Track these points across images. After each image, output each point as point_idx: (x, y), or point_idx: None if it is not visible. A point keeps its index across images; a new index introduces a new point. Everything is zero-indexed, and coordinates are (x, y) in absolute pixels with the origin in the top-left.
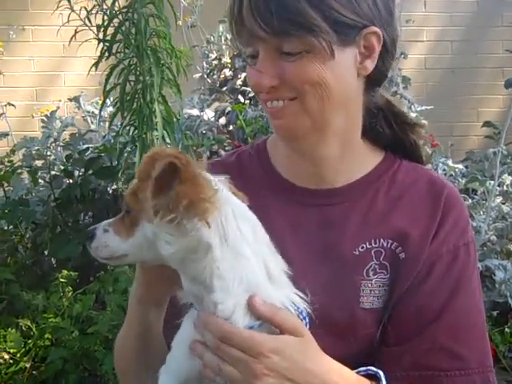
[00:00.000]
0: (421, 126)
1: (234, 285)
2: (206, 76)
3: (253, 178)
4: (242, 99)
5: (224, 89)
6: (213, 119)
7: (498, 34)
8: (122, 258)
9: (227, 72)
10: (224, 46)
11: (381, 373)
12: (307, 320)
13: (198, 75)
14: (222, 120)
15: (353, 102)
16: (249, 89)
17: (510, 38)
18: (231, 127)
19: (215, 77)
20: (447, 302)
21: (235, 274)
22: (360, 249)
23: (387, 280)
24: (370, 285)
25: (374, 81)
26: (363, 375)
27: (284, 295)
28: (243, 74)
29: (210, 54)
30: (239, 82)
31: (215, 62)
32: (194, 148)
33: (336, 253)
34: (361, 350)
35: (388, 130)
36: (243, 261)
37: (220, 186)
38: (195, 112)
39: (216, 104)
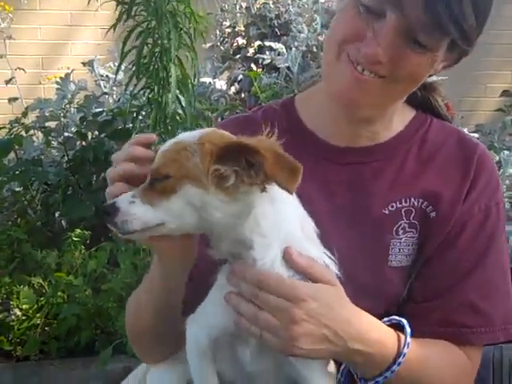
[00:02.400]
0: (439, 84)
1: (274, 241)
2: (218, 44)
3: (280, 133)
4: (254, 67)
5: (237, 57)
6: (225, 87)
7: None
8: (156, 229)
9: (240, 40)
10: (238, 14)
11: (404, 321)
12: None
13: (208, 44)
14: (234, 88)
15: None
16: (262, 56)
17: None
18: (243, 95)
19: (228, 45)
20: (478, 260)
21: (276, 231)
22: (390, 208)
23: (416, 239)
24: (399, 243)
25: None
26: (387, 325)
27: (320, 252)
28: (256, 43)
29: (224, 22)
30: (252, 50)
31: (228, 30)
32: (208, 113)
33: (365, 212)
34: (388, 310)
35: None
36: (284, 220)
37: None
38: (208, 79)
39: (227, 72)
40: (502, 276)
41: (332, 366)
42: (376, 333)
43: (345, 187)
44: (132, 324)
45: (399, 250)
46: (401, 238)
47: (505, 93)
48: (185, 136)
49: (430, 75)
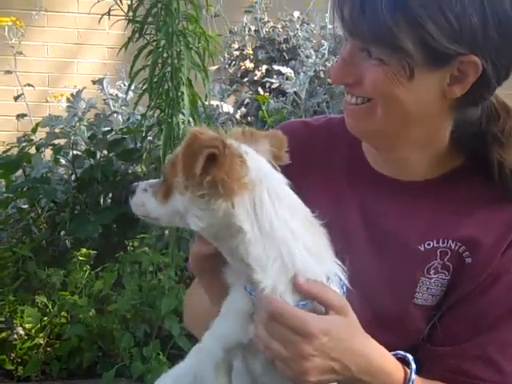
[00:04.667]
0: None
1: (269, 265)
2: (227, 66)
3: (339, 150)
4: (261, 91)
5: (244, 80)
6: (232, 110)
7: None
8: (155, 220)
9: (248, 63)
10: (247, 37)
11: (409, 356)
12: (345, 291)
13: (214, 67)
14: (240, 111)
15: (434, 119)
16: (271, 80)
17: None
18: (249, 118)
19: (235, 67)
20: (504, 317)
21: (269, 255)
22: (426, 245)
23: (446, 281)
24: (428, 282)
25: (466, 102)
26: None
27: (327, 268)
28: (264, 66)
29: (233, 45)
30: (260, 73)
31: (237, 53)
32: None
33: (401, 244)
34: (406, 345)
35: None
36: (277, 241)
37: (259, 161)
38: (215, 102)
39: (234, 96)
40: None
41: None
42: (385, 366)
43: (386, 215)
44: (189, 324)
45: (427, 288)
46: (431, 278)
47: None
48: None
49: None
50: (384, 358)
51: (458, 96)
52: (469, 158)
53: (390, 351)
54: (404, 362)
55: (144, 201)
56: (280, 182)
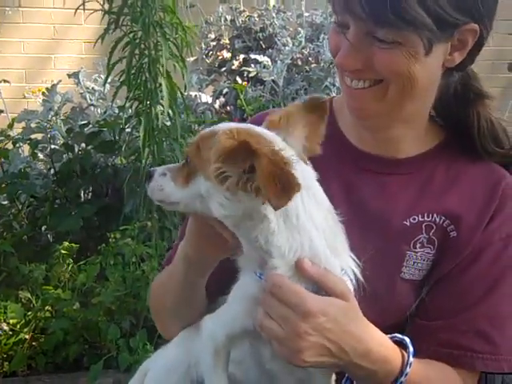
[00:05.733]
0: (488, 97)
1: (290, 254)
2: (204, 56)
3: None
4: (239, 80)
5: (222, 70)
6: (210, 100)
7: None
8: (173, 205)
9: (225, 53)
10: (223, 27)
11: (407, 339)
12: (356, 285)
13: (192, 58)
14: (219, 101)
15: (431, 89)
16: (248, 69)
17: None
18: (228, 108)
19: (213, 58)
20: (491, 289)
21: (292, 244)
22: (411, 220)
23: (432, 255)
24: (414, 256)
25: (457, 68)
26: None
27: (343, 261)
28: (242, 56)
29: (209, 35)
30: (237, 63)
31: (213, 43)
32: (195, 126)
33: (387, 220)
34: (394, 320)
35: (456, 109)
36: (301, 233)
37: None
38: (193, 92)
39: (212, 86)
40: (511, 308)
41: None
42: (383, 351)
43: (370, 193)
44: (153, 304)
45: (414, 263)
46: (417, 252)
47: None
48: (222, 125)
49: (452, 69)
50: (382, 344)
51: (456, 63)
52: (449, 133)
53: (379, 327)
54: (401, 344)
55: (163, 184)
56: (310, 175)
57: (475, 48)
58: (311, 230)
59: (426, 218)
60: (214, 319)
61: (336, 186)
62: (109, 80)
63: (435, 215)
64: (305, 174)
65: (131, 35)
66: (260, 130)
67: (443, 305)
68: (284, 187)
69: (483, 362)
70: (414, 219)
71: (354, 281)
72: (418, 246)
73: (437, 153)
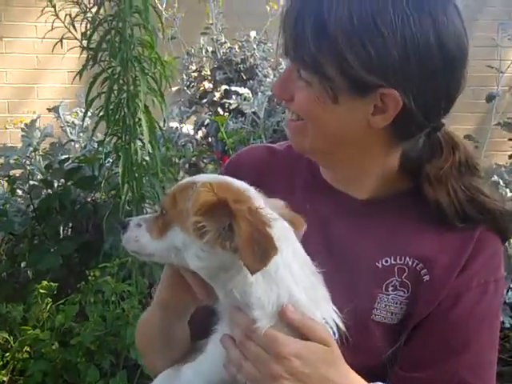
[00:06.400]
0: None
1: (269, 305)
2: (185, 88)
3: (299, 173)
4: (221, 112)
5: (203, 101)
6: (192, 132)
7: None
8: (148, 256)
9: (207, 84)
10: (204, 59)
11: None
12: (337, 335)
13: (175, 88)
14: (201, 132)
15: (368, 144)
16: (229, 101)
17: None
18: (210, 139)
19: (194, 89)
20: (470, 338)
21: (270, 296)
22: (384, 262)
23: (406, 299)
24: (386, 299)
25: (398, 134)
26: None
27: (325, 312)
28: (223, 87)
29: (190, 66)
30: (218, 94)
31: (195, 74)
32: (175, 159)
33: (359, 261)
34: (368, 364)
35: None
36: (280, 285)
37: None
38: (174, 124)
39: (194, 117)
40: (492, 354)
41: None
42: None
43: (341, 232)
44: (138, 342)
45: (385, 305)
46: (389, 295)
47: (466, 137)
48: (201, 177)
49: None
50: None
51: (382, 126)
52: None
53: (354, 370)
54: None
55: (138, 236)
56: (287, 229)
57: (406, 118)
58: (289, 281)
59: (398, 261)
60: (193, 369)
61: (314, 224)
62: (89, 114)
63: (408, 258)
64: (282, 229)
65: (110, 71)
66: (239, 183)
67: (422, 355)
68: (261, 253)
69: None
70: (387, 261)
71: (335, 331)
72: (391, 288)
73: (408, 197)
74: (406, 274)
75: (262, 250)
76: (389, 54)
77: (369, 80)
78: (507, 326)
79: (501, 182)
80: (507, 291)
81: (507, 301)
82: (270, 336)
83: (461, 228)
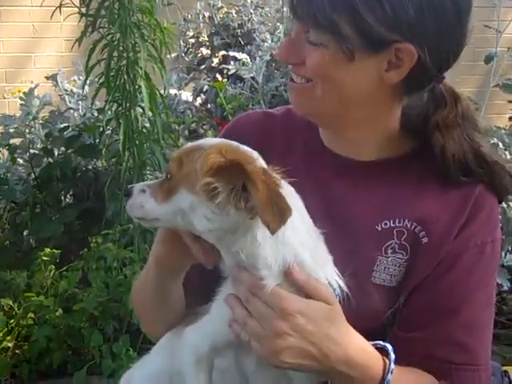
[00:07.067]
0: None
1: (275, 265)
2: (183, 54)
3: (297, 136)
4: (219, 78)
5: (202, 67)
6: (191, 98)
7: None
8: (153, 221)
9: (204, 50)
10: (201, 24)
11: (389, 346)
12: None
13: (174, 54)
14: (200, 99)
15: (377, 102)
16: (227, 67)
17: None
18: (209, 106)
19: (192, 55)
20: (467, 298)
21: (276, 256)
22: (383, 225)
23: (405, 261)
24: (385, 262)
25: (408, 88)
26: None
27: (328, 273)
28: (221, 52)
29: (188, 32)
30: (216, 60)
31: (192, 41)
32: (175, 126)
33: (358, 224)
34: (368, 326)
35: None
36: (286, 246)
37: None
38: (173, 91)
39: (192, 83)
40: (489, 315)
41: None
42: (364, 357)
43: (341, 195)
44: (135, 305)
45: (385, 268)
46: (388, 257)
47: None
48: (206, 141)
49: (407, 91)
50: (364, 350)
51: (396, 82)
52: (420, 142)
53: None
54: (383, 351)
55: (142, 201)
56: (292, 192)
57: (420, 72)
58: (296, 242)
59: (397, 224)
60: (197, 331)
61: (309, 185)
62: (88, 82)
63: (406, 221)
64: (288, 190)
65: (109, 37)
66: (243, 146)
67: (420, 315)
68: (280, 213)
69: (462, 373)
70: (386, 224)
71: (338, 292)
72: (390, 251)
73: (408, 159)
74: (404, 236)
75: (279, 211)
76: (404, 9)
77: (385, 36)
78: (505, 288)
79: (500, 145)
80: (505, 254)
81: (505, 264)
82: (276, 293)
83: (461, 185)
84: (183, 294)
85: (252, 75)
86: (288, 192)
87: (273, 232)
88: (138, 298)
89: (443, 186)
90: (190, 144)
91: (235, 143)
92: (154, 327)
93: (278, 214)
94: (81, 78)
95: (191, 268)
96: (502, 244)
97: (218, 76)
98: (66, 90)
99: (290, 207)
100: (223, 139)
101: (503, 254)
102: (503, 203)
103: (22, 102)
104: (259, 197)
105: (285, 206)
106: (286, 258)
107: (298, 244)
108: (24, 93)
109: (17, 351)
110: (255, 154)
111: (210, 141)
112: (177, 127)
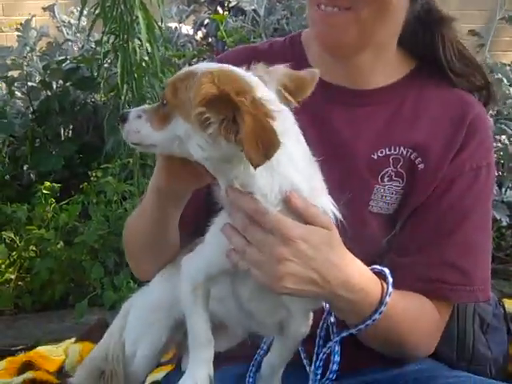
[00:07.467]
0: (452, 19)
1: (272, 194)
2: None
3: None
4: (220, 10)
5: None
6: (191, 31)
7: None
8: (150, 148)
9: None
10: None
11: (386, 270)
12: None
13: None
14: (201, 32)
15: (401, 13)
16: None
17: None
18: (210, 39)
19: None
20: (462, 220)
21: (272, 185)
22: (379, 153)
23: (401, 189)
24: (382, 190)
25: None
26: None
27: (323, 202)
28: None
29: None
30: None
31: None
32: (175, 60)
33: (354, 153)
34: (366, 252)
35: (421, 34)
36: (282, 175)
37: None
38: (173, 24)
39: (193, 16)
40: (484, 237)
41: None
42: (363, 280)
43: (339, 125)
44: (127, 241)
45: (382, 196)
46: (385, 185)
47: (470, 32)
48: (201, 66)
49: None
50: (363, 274)
51: None
52: (417, 62)
53: None
54: (380, 275)
55: (138, 127)
56: (290, 118)
57: None
58: (291, 171)
59: (393, 151)
60: (193, 259)
61: (304, 118)
62: (85, 13)
63: (402, 148)
64: (286, 120)
65: None
66: (240, 72)
67: (416, 240)
68: (264, 147)
69: (457, 293)
70: (382, 152)
71: (333, 220)
72: (386, 179)
73: (405, 83)
74: (400, 163)
75: (264, 144)
76: None
77: None
78: (504, 224)
79: (505, 81)
80: (506, 190)
81: (505, 199)
82: (277, 219)
83: (454, 109)
84: (179, 235)
85: (253, 7)
86: (284, 122)
87: (255, 166)
88: (132, 232)
89: (438, 109)
90: (184, 69)
91: (230, 67)
92: (145, 265)
93: (262, 149)
94: (78, 8)
95: (185, 209)
96: (503, 180)
97: (219, 9)
98: (64, 22)
99: (279, 141)
100: (218, 64)
101: (503, 190)
102: (506, 140)
103: (19, 34)
104: (245, 129)
105: (272, 139)
106: (282, 187)
107: (294, 172)
108: (21, 23)
109: (20, 283)
110: (252, 79)
111: (204, 65)
112: (177, 61)
